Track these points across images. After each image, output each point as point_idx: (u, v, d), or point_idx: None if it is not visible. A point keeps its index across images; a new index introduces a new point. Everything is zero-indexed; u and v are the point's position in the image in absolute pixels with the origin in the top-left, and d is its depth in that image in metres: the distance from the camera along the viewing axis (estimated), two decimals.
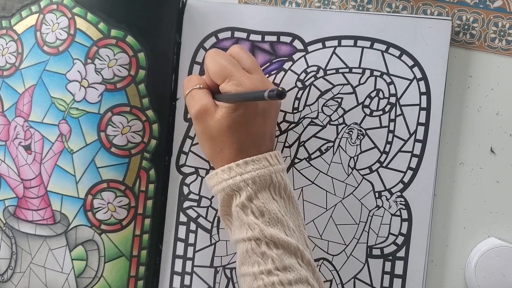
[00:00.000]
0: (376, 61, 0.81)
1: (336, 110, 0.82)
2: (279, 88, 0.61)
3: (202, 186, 0.85)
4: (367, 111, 0.82)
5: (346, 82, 0.82)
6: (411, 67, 0.80)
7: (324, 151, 0.83)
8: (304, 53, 0.83)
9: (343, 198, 0.82)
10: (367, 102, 0.82)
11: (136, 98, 0.83)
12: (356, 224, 0.82)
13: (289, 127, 0.83)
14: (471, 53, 0.81)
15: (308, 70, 0.82)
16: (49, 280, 0.85)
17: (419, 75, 0.80)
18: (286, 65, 0.83)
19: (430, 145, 0.80)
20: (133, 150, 0.83)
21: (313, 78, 0.82)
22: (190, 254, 0.85)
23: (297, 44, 0.83)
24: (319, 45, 0.82)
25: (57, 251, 0.85)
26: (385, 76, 0.81)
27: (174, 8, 0.84)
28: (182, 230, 0.85)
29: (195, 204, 0.85)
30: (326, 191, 0.83)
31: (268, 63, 0.83)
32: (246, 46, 0.83)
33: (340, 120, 0.82)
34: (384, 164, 0.81)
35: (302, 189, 0.83)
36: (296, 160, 0.83)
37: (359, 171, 0.82)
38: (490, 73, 0.81)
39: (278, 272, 0.67)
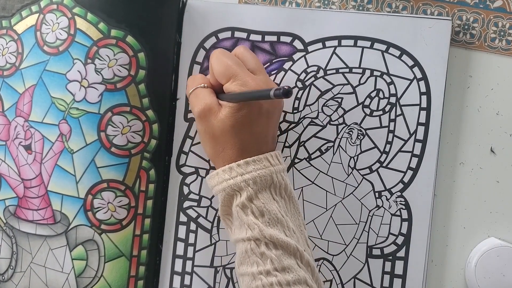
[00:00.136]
0: (376, 61, 0.81)
1: (336, 110, 0.82)
2: (285, 87, 0.61)
3: (202, 186, 0.85)
4: (367, 111, 0.82)
5: (346, 82, 0.82)
6: (411, 67, 0.80)
7: (324, 151, 0.83)
8: (304, 53, 0.83)
9: (343, 198, 0.82)
10: (367, 102, 0.82)
11: (136, 98, 0.83)
12: (356, 224, 0.82)
13: (289, 127, 0.83)
14: (471, 53, 0.81)
15: (308, 70, 0.82)
16: (49, 280, 0.85)
17: (419, 75, 0.80)
18: (286, 65, 0.83)
19: (430, 145, 0.80)
20: (133, 150, 0.83)
21: (313, 78, 0.82)
22: (190, 254, 0.85)
23: (297, 44, 0.83)
24: (319, 45, 0.82)
25: (57, 251, 0.85)
26: (385, 76, 0.81)
27: (174, 8, 0.84)
28: (182, 230, 0.85)
29: (195, 204, 0.85)
30: (326, 191, 0.83)
31: (268, 63, 0.83)
32: (246, 46, 0.83)
33: (340, 120, 0.82)
34: (384, 164, 0.81)
35: (302, 189, 0.83)
36: (296, 160, 0.83)
37: (359, 171, 0.82)
38: (490, 73, 0.81)
39: (277, 272, 0.67)
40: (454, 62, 0.81)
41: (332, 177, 0.83)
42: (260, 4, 0.85)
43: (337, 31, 0.82)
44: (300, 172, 0.83)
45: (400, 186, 0.81)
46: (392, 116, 0.81)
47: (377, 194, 0.82)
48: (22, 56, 0.85)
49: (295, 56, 0.83)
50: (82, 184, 0.83)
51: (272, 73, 0.83)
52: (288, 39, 0.83)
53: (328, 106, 0.82)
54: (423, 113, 0.80)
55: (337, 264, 0.82)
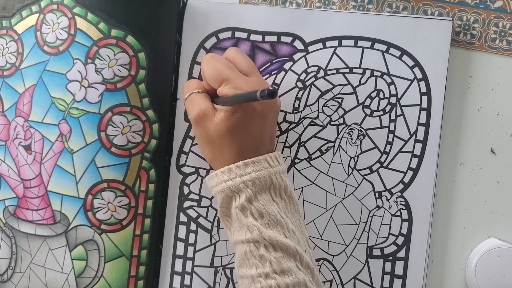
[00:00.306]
0: (376, 61, 0.81)
1: (336, 110, 0.82)
2: (270, 88, 0.61)
3: (203, 186, 0.85)
4: (368, 111, 0.82)
5: (347, 82, 0.82)
6: (411, 68, 0.80)
7: (324, 151, 0.83)
8: (305, 53, 0.83)
9: (343, 198, 0.82)
10: (367, 103, 0.82)
11: (136, 98, 0.83)
12: (356, 224, 0.82)
13: (290, 127, 0.83)
14: (472, 53, 0.81)
15: (309, 70, 0.82)
16: (49, 280, 0.85)
17: (419, 76, 0.80)
18: (287, 65, 0.83)
19: (431, 145, 0.80)
20: (133, 150, 0.83)
21: (313, 78, 0.82)
22: (190, 254, 0.85)
23: (298, 44, 0.83)
24: (320, 45, 0.82)
25: (57, 251, 0.85)
26: (385, 77, 0.81)
27: (175, 8, 0.84)
28: (182, 230, 0.85)
29: (195, 204, 0.85)
30: (326, 191, 0.83)
31: (269, 63, 0.83)
32: (246, 46, 0.83)
33: (341, 120, 0.82)
34: (385, 165, 0.81)
35: (302, 189, 0.83)
36: (297, 160, 0.83)
37: (359, 171, 0.82)
38: (490, 74, 0.81)
39: (276, 275, 0.67)
40: (455, 62, 0.81)
41: (332, 178, 0.82)
42: (261, 4, 0.85)
43: (337, 31, 0.82)
44: (300, 172, 0.83)
45: (400, 186, 0.81)
46: (393, 117, 0.81)
47: (377, 194, 0.82)
48: (22, 56, 0.85)
49: (296, 56, 0.83)
50: (82, 184, 0.83)
51: (272, 73, 0.83)
52: (288, 39, 0.83)
53: (328, 106, 0.82)
54: (424, 113, 0.80)
55: (337, 264, 0.82)
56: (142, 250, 0.84)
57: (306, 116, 0.83)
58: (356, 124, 0.82)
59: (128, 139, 0.83)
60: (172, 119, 0.85)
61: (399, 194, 0.81)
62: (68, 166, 0.83)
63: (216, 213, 0.84)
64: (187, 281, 0.85)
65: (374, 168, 0.82)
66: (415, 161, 0.81)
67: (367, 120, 0.82)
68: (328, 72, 0.82)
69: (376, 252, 0.82)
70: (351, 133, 0.82)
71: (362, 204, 0.82)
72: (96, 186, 0.83)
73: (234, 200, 0.71)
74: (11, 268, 0.86)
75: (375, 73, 0.81)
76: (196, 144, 0.84)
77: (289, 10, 0.83)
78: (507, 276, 0.79)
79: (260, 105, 0.73)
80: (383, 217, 0.82)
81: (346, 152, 0.82)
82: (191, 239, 0.85)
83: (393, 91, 0.81)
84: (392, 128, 0.81)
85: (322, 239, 0.83)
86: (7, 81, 0.85)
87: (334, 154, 0.82)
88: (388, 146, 0.81)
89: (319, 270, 0.82)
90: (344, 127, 0.82)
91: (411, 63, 0.80)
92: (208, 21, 0.84)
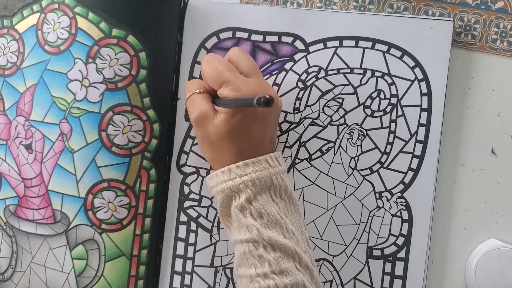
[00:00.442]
0: (377, 62, 0.81)
1: (337, 111, 0.82)
2: (267, 96, 0.61)
3: (203, 186, 0.85)
4: (368, 111, 0.82)
5: (347, 83, 0.82)
6: (412, 68, 0.80)
7: (325, 152, 0.83)
8: (306, 53, 0.83)
9: (344, 199, 0.82)
10: (368, 103, 0.82)
11: (137, 97, 0.83)
12: (357, 224, 0.82)
13: (290, 127, 0.83)
14: (473, 54, 0.81)
15: (309, 70, 0.82)
16: (49, 279, 0.85)
17: (420, 76, 0.80)
18: (288, 65, 0.83)
19: (431, 146, 0.80)
20: (134, 149, 0.83)
21: (314, 79, 0.82)
22: (190, 253, 0.85)
23: (299, 44, 0.83)
24: (321, 45, 0.82)
25: (57, 250, 0.85)
26: (386, 77, 0.81)
27: (176, 7, 0.84)
28: (182, 229, 0.85)
29: (196, 204, 0.85)
30: (327, 191, 0.83)
31: (269, 63, 0.83)
32: (247, 46, 0.83)
33: (341, 121, 0.82)
34: (385, 165, 0.81)
35: (302, 190, 0.83)
36: (297, 161, 0.83)
37: (359, 171, 0.82)
38: (491, 74, 0.81)
39: (274, 275, 0.67)
40: (455, 63, 0.81)
41: (332, 178, 0.82)
42: (262, 4, 0.85)
43: (338, 31, 0.82)
44: (300, 173, 0.83)
45: (401, 187, 0.81)
46: (393, 117, 0.81)
47: (377, 194, 0.82)
48: (23, 55, 0.85)
49: (296, 57, 0.83)
50: (83, 184, 0.83)
51: (273, 73, 0.83)
52: (289, 39, 0.83)
53: (329, 107, 0.82)
54: (424, 114, 0.80)
55: (337, 264, 0.82)
56: (142, 250, 0.84)
57: (306, 116, 0.83)
58: (357, 124, 0.82)
59: (128, 139, 0.83)
60: (173, 119, 0.85)
61: (399, 194, 0.81)
62: (68, 165, 0.83)
63: (217, 213, 0.84)
64: (187, 280, 0.85)
65: (374, 168, 0.82)
66: (415, 161, 0.81)
67: (368, 121, 0.82)
68: (329, 72, 0.82)
69: (376, 252, 0.82)
70: (351, 133, 0.82)
71: (362, 204, 0.82)
72: (96, 185, 0.83)
73: (234, 200, 0.71)
74: (11, 267, 0.86)
75: (376, 74, 0.81)
76: (197, 144, 0.84)
77: (290, 10, 0.83)
78: (507, 277, 0.78)
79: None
80: (383, 217, 0.82)
81: (346, 153, 0.82)
82: (191, 239, 0.85)
83: (393, 92, 0.81)
84: (392, 129, 0.81)
85: (322, 239, 0.83)
86: (8, 80, 0.85)
87: (334, 155, 0.82)
88: (389, 146, 0.81)
89: (319, 271, 0.82)
90: (345, 127, 0.82)
91: (411, 63, 0.80)
92: (209, 21, 0.84)
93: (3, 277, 0.87)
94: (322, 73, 0.82)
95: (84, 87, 0.82)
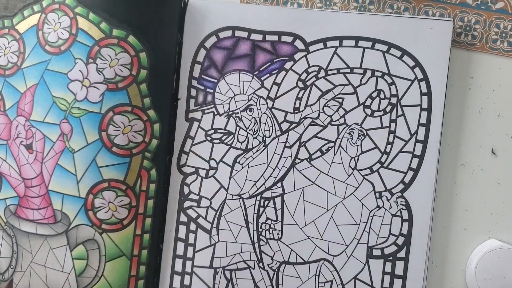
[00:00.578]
0: (377, 62, 0.81)
1: (337, 111, 0.82)
2: None
3: (202, 186, 0.85)
4: (368, 111, 0.82)
5: (347, 83, 0.82)
6: (412, 68, 0.80)
7: (325, 152, 0.83)
8: (305, 53, 0.83)
9: (344, 199, 0.82)
10: (368, 103, 0.82)
11: (137, 97, 0.83)
12: (357, 224, 0.82)
13: (290, 127, 0.83)
14: (473, 54, 0.81)
15: (309, 70, 0.83)
16: (49, 279, 0.85)
17: (420, 76, 0.80)
18: (287, 65, 0.83)
19: (431, 146, 0.80)
20: (134, 149, 0.83)
21: (314, 78, 0.82)
22: (190, 254, 0.85)
23: (298, 44, 0.83)
24: (321, 45, 0.82)
25: (57, 250, 0.85)
26: (386, 77, 0.81)
27: (176, 8, 0.84)
28: (182, 230, 0.85)
29: (195, 204, 0.85)
30: (327, 191, 0.83)
31: (269, 63, 0.83)
32: (247, 46, 0.83)
33: (341, 121, 0.82)
34: (385, 165, 0.81)
35: (302, 190, 0.83)
36: (297, 161, 0.83)
37: (359, 171, 0.82)
38: (491, 75, 0.81)
39: None
40: (456, 63, 0.81)
41: (332, 178, 0.82)
42: (262, 3, 0.85)
43: (338, 31, 0.82)
44: (300, 173, 0.83)
45: (401, 186, 0.81)
46: (393, 117, 0.81)
47: (377, 194, 0.82)
48: (24, 55, 0.85)
49: (296, 56, 0.83)
50: (83, 184, 0.83)
51: (273, 73, 0.83)
52: (289, 39, 0.83)
53: (329, 106, 0.82)
54: (424, 113, 0.80)
55: (338, 264, 0.82)
56: (143, 250, 0.84)
57: (306, 116, 0.83)
58: (357, 124, 0.82)
59: (129, 139, 0.83)
60: (173, 119, 0.85)
61: (399, 194, 0.81)
62: (69, 165, 0.84)
63: (216, 214, 0.84)
64: (186, 281, 0.85)
65: (374, 168, 0.82)
66: (415, 161, 0.81)
67: (368, 120, 0.82)
68: (329, 72, 0.82)
69: (377, 252, 0.82)
70: (351, 133, 0.82)
71: (362, 204, 0.82)
72: (97, 185, 0.83)
73: None
74: (12, 267, 0.87)
75: (376, 73, 0.81)
76: (197, 144, 0.84)
77: (290, 10, 0.83)
78: (507, 277, 0.78)
79: None
80: (383, 217, 0.82)
81: (346, 152, 0.82)
82: (191, 239, 0.85)
83: (393, 91, 0.81)
84: (392, 128, 0.81)
85: (322, 239, 0.83)
86: (9, 81, 0.85)
87: (334, 154, 0.82)
88: (389, 146, 0.81)
89: (320, 271, 0.82)
90: (345, 127, 0.82)
91: (411, 63, 0.80)
92: (209, 21, 0.84)
93: (3, 277, 0.87)
94: (322, 73, 0.82)
95: (84, 87, 0.82)
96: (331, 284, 0.83)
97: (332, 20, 0.82)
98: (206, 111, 0.84)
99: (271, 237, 0.83)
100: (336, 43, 0.82)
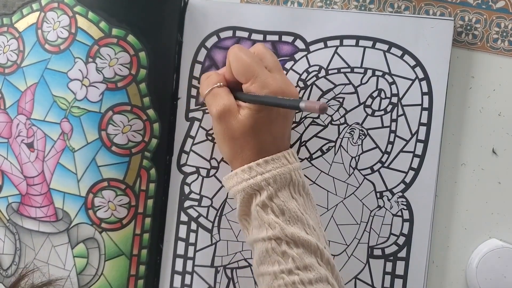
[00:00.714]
0: (378, 61, 0.81)
1: (337, 110, 0.82)
2: (322, 104, 0.60)
3: (203, 185, 0.85)
4: (369, 111, 0.81)
5: (348, 82, 0.81)
6: (413, 67, 0.80)
7: (325, 151, 0.82)
8: (306, 52, 0.82)
9: (345, 198, 0.82)
10: (368, 102, 0.81)
11: (137, 97, 0.83)
12: (357, 224, 0.82)
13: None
14: (473, 53, 0.81)
15: (310, 69, 0.82)
16: (52, 276, 0.85)
17: (421, 75, 0.80)
18: (288, 65, 0.83)
19: (432, 145, 0.80)
20: (134, 149, 0.83)
21: (314, 78, 0.82)
22: (190, 253, 0.85)
23: (299, 44, 0.82)
24: (321, 44, 0.82)
25: (59, 248, 0.85)
26: (387, 76, 0.81)
27: (176, 7, 0.83)
28: (183, 229, 0.85)
29: (196, 203, 0.85)
30: (328, 191, 0.82)
31: None
32: (247, 46, 0.83)
33: (342, 120, 0.82)
34: (386, 164, 0.81)
35: None
36: None
37: (360, 171, 0.82)
38: (492, 74, 0.80)
39: (299, 271, 0.67)
40: (456, 62, 0.81)
41: (333, 177, 0.82)
42: (262, 3, 0.85)
43: (339, 31, 0.82)
44: None
45: (402, 186, 0.81)
46: (394, 116, 0.81)
47: (378, 194, 0.82)
48: (23, 54, 0.85)
49: (297, 56, 0.83)
50: (83, 183, 0.84)
51: None
52: (289, 38, 0.83)
53: (329, 106, 0.82)
54: (425, 113, 0.80)
55: (338, 264, 0.82)
56: (142, 249, 0.84)
57: (307, 116, 0.82)
58: (358, 123, 0.82)
59: (128, 138, 0.83)
60: (173, 118, 0.85)
61: (400, 194, 0.81)
62: (69, 164, 0.84)
63: (217, 213, 0.84)
64: (187, 280, 0.85)
65: (375, 168, 0.82)
66: (416, 161, 0.81)
67: (369, 120, 0.81)
68: (330, 72, 0.82)
69: (377, 252, 0.82)
70: (352, 132, 0.82)
71: (363, 204, 0.82)
72: (96, 184, 0.83)
73: (255, 199, 0.71)
74: (15, 263, 0.87)
75: (377, 73, 0.81)
76: (197, 143, 0.84)
77: (290, 10, 0.83)
78: (508, 277, 0.78)
79: None
80: (384, 217, 0.82)
81: (347, 152, 0.82)
82: (192, 239, 0.85)
83: (394, 91, 0.81)
84: (393, 128, 0.81)
85: None
86: (9, 79, 0.85)
87: (335, 154, 0.82)
88: (390, 146, 0.81)
89: None
90: (345, 126, 0.82)
91: (412, 62, 0.80)
92: (209, 20, 0.84)
93: (6, 273, 0.87)
94: (323, 73, 0.82)
95: (84, 86, 0.82)
96: None
97: (332, 20, 0.82)
98: (207, 111, 0.84)
99: None
100: (337, 42, 0.82)
